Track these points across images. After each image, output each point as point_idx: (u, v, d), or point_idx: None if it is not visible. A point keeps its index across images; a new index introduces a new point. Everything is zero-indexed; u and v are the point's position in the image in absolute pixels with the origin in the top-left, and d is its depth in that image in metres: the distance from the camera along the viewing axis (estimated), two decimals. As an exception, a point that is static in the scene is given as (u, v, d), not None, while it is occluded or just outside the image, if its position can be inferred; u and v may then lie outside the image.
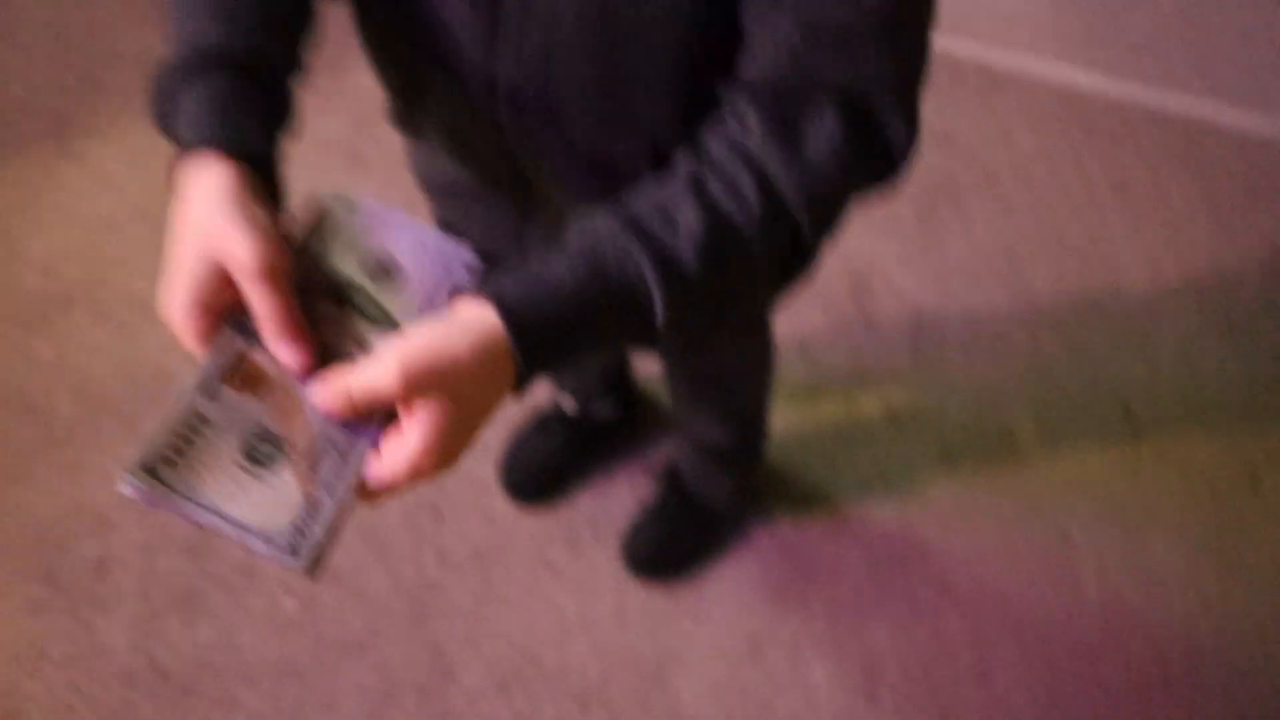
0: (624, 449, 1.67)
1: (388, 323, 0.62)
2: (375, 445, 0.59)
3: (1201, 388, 1.75)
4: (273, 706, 1.44)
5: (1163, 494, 1.63)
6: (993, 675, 1.47)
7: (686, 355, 1.16)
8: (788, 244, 0.64)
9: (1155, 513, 1.61)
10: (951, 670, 1.48)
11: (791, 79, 0.61)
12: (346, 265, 0.63)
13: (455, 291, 0.64)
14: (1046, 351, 1.79)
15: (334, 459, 0.58)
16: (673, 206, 0.61)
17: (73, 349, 1.77)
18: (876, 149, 0.64)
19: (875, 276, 1.88)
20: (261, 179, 0.61)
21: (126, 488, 0.55)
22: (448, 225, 1.04)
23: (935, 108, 2.07)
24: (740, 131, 0.63)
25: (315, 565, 0.57)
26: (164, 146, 0.62)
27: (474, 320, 0.57)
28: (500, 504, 1.61)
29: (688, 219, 0.61)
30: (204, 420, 0.57)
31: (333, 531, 0.57)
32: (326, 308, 0.61)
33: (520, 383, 0.59)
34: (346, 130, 2.09)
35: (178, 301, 0.57)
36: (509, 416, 1.65)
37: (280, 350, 0.58)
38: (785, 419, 1.67)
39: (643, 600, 1.53)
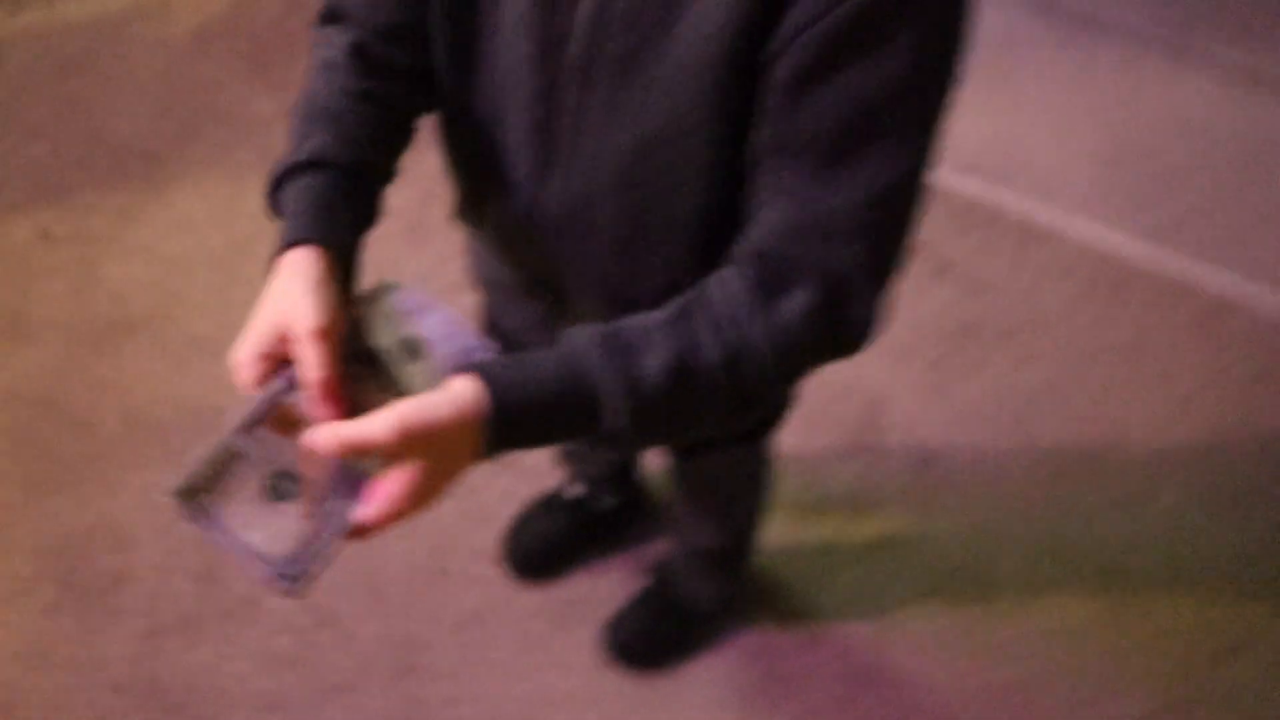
0: (622, 538, 1.74)
1: (408, 392, 0.72)
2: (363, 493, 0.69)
3: (1190, 554, 1.78)
4: (254, 735, 1.51)
5: (1138, 653, 1.66)
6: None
7: (677, 462, 1.26)
8: (750, 385, 0.73)
9: (1127, 670, 1.64)
10: (907, 798, 1.51)
11: (780, 254, 0.72)
12: (385, 339, 0.74)
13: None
14: (1042, 499, 1.84)
15: (336, 500, 0.68)
16: (654, 330, 0.72)
17: (128, 374, 1.90)
18: (843, 324, 0.74)
19: (888, 405, 1.95)
20: (340, 263, 0.75)
21: (168, 502, 0.66)
22: (490, 312, 1.17)
23: (971, 253, 2.18)
24: (731, 284, 0.73)
25: (302, 589, 0.67)
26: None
27: (461, 392, 0.67)
28: (498, 573, 1.69)
29: (662, 344, 0.71)
30: (239, 455, 0.68)
31: (324, 562, 0.68)
32: (362, 371, 0.73)
33: (488, 453, 0.68)
34: (413, 203, 2.22)
35: (244, 349, 0.71)
36: (518, 494, 1.74)
37: (315, 400, 0.70)
38: (780, 529, 1.73)
39: (620, 685, 1.59)
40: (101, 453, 1.80)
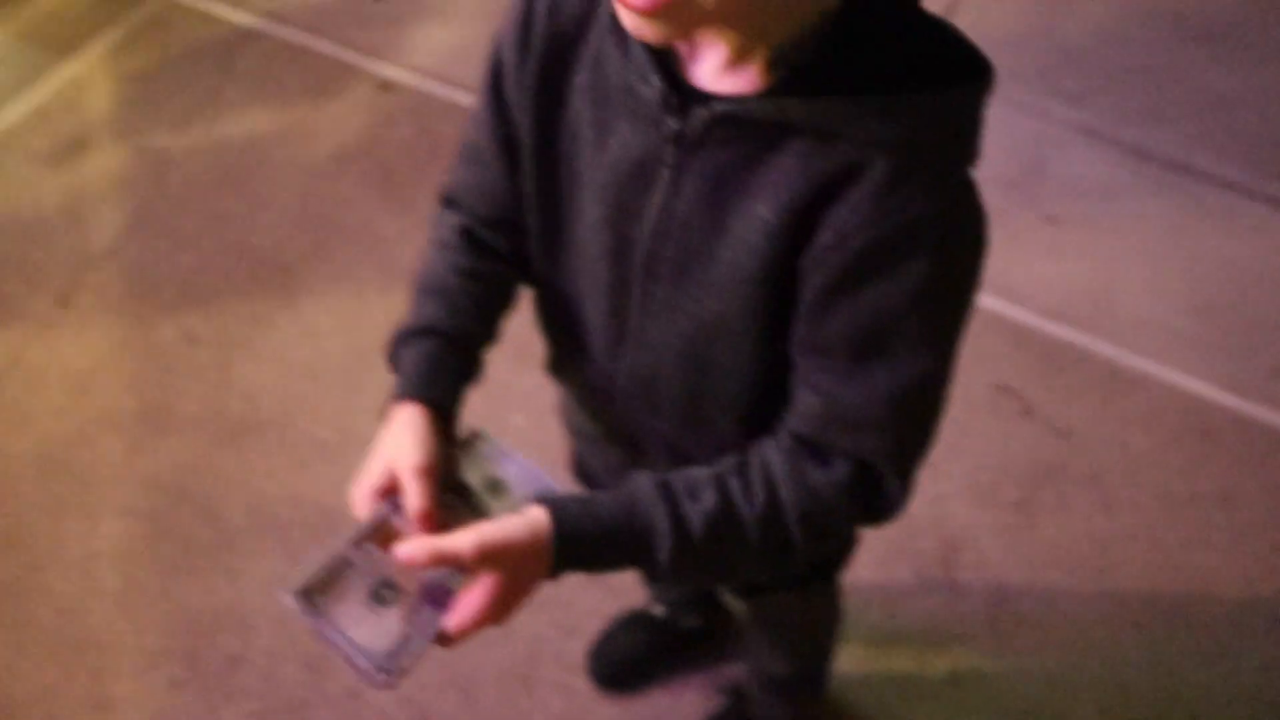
0: (702, 659, 1.81)
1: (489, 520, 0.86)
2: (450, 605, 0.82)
3: (1277, 715, 1.77)
4: (346, 825, 1.61)
5: (1215, 814, 1.65)
6: None
7: (745, 598, 1.35)
8: (782, 543, 0.85)
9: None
10: None
11: (814, 438, 0.84)
12: (473, 477, 0.89)
13: None
14: (1122, 649, 1.85)
15: (428, 609, 0.82)
16: (701, 487, 0.84)
17: (255, 471, 2.07)
18: (873, 500, 0.85)
19: (967, 544, 2.00)
20: (443, 415, 0.90)
21: (287, 600, 0.80)
22: (578, 453, 1.30)
23: (1057, 399, 2.21)
24: (771, 453, 0.85)
25: (396, 683, 0.80)
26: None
27: (535, 520, 0.81)
28: (582, 684, 1.77)
29: (707, 497, 0.83)
30: (349, 564, 0.83)
31: (415, 659, 0.80)
32: (453, 500, 0.88)
33: (555, 573, 0.81)
34: (524, 328, 2.38)
35: (361, 486, 0.86)
36: (605, 609, 1.83)
37: (414, 524, 0.84)
38: (854, 660, 1.78)
39: (692, 804, 1.65)
40: (228, 542, 1.95)
